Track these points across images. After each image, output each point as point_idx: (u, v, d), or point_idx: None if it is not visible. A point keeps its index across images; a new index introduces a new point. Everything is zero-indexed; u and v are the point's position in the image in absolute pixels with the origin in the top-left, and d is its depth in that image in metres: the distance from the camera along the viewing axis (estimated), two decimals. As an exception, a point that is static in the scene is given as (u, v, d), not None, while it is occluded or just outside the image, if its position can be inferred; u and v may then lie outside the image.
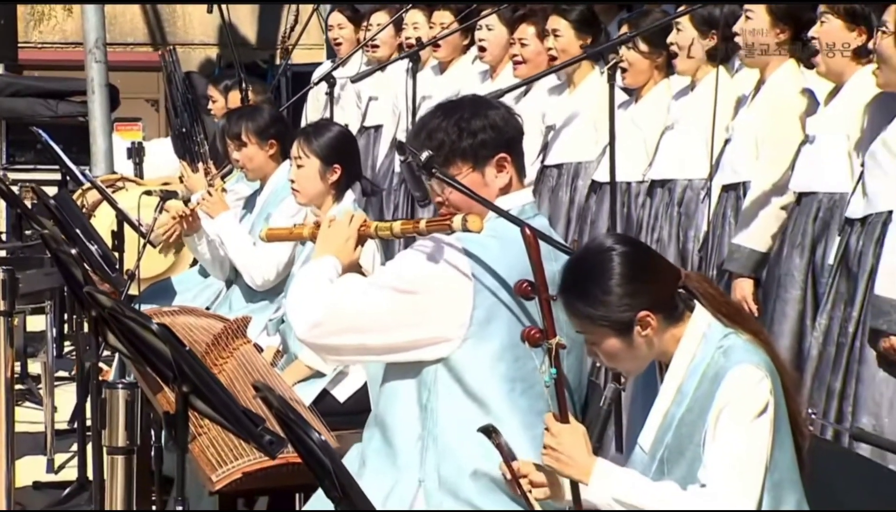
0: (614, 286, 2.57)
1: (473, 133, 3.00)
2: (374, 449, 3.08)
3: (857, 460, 2.82)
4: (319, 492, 3.14)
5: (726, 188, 4.43)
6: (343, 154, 4.24)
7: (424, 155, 2.87)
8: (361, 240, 3.17)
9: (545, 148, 5.34)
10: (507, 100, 4.62)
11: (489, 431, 2.68)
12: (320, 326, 3.02)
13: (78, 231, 4.64)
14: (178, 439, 2.90)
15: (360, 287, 3.06)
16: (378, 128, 6.94)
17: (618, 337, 2.59)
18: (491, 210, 2.97)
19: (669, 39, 4.63)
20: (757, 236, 4.21)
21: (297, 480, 3.34)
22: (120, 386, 2.49)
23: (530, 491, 2.70)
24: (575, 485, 2.57)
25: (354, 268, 3.16)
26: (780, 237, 4.15)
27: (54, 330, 6.29)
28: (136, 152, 7.98)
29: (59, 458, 5.33)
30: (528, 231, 2.65)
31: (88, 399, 4.47)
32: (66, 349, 7.09)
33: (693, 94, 4.66)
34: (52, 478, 5.15)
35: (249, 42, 12.26)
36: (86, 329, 4.42)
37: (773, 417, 2.50)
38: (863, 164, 3.79)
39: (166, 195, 4.77)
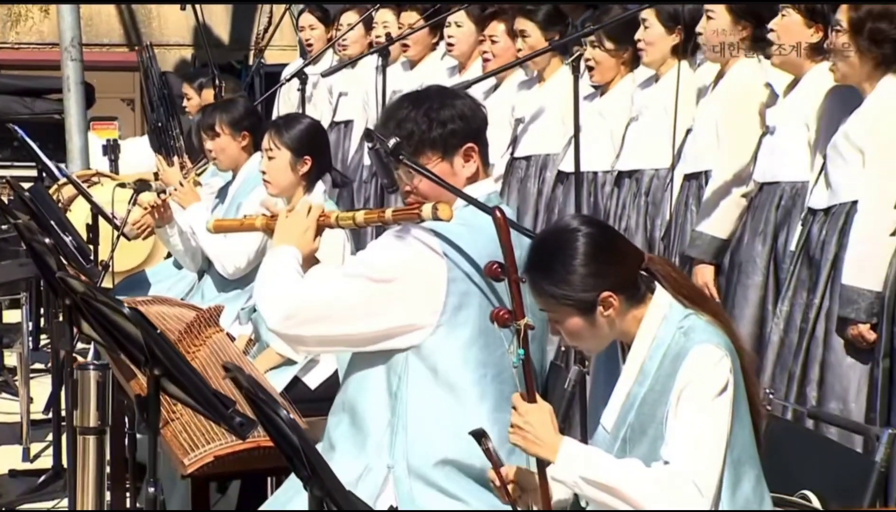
0: (578, 266, 2.55)
1: (442, 123, 2.97)
2: (343, 434, 3.05)
3: (814, 438, 2.82)
4: (291, 478, 3.12)
5: (688, 177, 4.44)
6: (313, 146, 4.21)
7: (392, 142, 2.84)
8: (320, 230, 3.13)
9: (514, 141, 5.33)
10: (478, 95, 4.62)
11: (479, 436, 2.64)
12: (293, 318, 2.97)
13: (53, 223, 4.58)
14: (150, 422, 2.87)
15: (332, 277, 3.02)
16: (348, 123, 6.93)
17: (581, 316, 2.57)
18: (460, 198, 2.94)
19: (637, 35, 4.63)
20: (718, 223, 4.21)
21: (268, 464, 3.30)
22: (91, 367, 2.44)
23: (519, 496, 2.67)
24: (542, 464, 2.55)
25: (312, 258, 3.13)
26: (742, 225, 4.15)
27: (30, 323, 6.23)
28: (111, 149, 7.90)
29: (35, 447, 5.29)
30: (499, 214, 2.63)
31: (63, 388, 4.45)
32: (42, 342, 7.03)
33: (657, 86, 4.66)
34: (27, 466, 5.10)
35: (223, 43, 12.19)
36: (60, 318, 4.38)
37: (732, 397, 2.48)
38: (824, 156, 3.79)
39: (140, 188, 4.72)
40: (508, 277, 2.59)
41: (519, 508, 2.62)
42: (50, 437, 5.12)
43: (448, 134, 2.96)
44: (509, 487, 2.63)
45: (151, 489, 2.86)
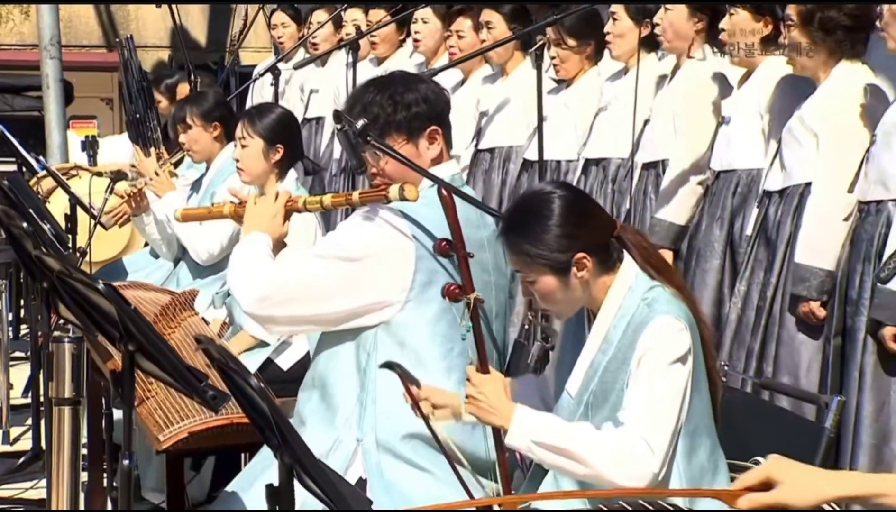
0: (553, 226, 2.54)
1: (407, 106, 2.97)
2: (313, 409, 3.04)
3: (767, 407, 2.83)
4: (262, 450, 3.11)
5: (646, 166, 4.45)
6: (285, 135, 4.20)
7: (360, 123, 2.83)
8: (288, 215, 3.12)
9: (479, 133, 5.33)
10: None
11: (390, 366, 2.66)
12: (266, 300, 2.97)
13: (31, 211, 4.54)
14: (125, 397, 2.85)
15: (303, 259, 3.01)
16: (319, 120, 6.92)
17: (555, 276, 2.55)
18: (426, 178, 2.94)
19: (606, 28, 4.63)
20: (676, 210, 4.23)
21: (241, 440, 3.29)
22: (66, 340, 2.42)
23: (432, 413, 2.68)
24: (497, 432, 2.55)
25: (281, 243, 3.11)
26: (699, 211, 4.17)
27: (10, 314, 6.19)
28: (90, 145, 7.84)
29: (15, 431, 5.26)
30: (444, 191, 2.64)
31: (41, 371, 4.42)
32: (23, 332, 6.99)
33: (626, 78, 4.66)
34: (7, 449, 5.07)
35: (200, 45, 12.15)
36: (38, 302, 4.35)
37: (691, 367, 2.49)
38: (779, 141, 3.81)
39: (116, 177, 4.69)
40: (457, 252, 2.59)
41: (432, 425, 2.63)
42: (29, 421, 5.09)
43: (412, 117, 2.97)
44: (421, 404, 2.64)
45: (126, 462, 2.84)
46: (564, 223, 2.54)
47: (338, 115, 2.82)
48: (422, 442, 2.92)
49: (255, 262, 3.00)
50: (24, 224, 3.67)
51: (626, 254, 2.59)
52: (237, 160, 4.23)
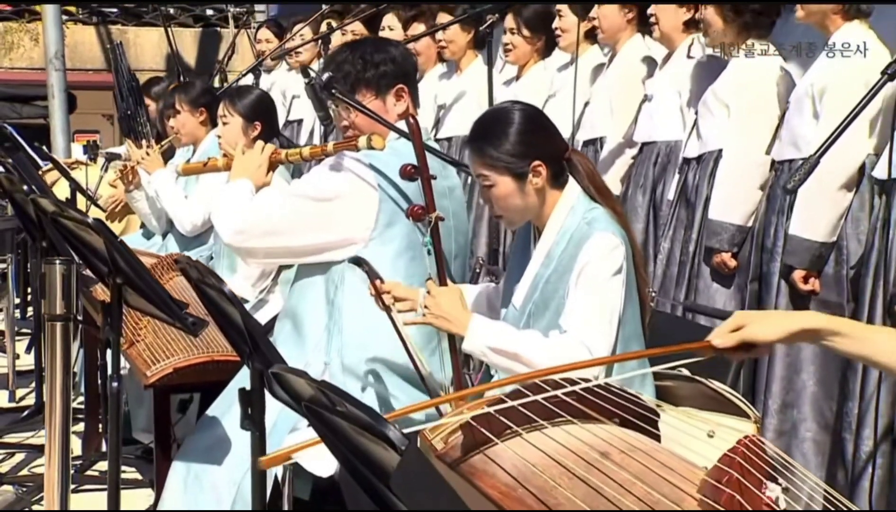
0: (513, 133, 2.53)
1: (376, 65, 2.96)
2: (285, 337, 3.01)
3: (688, 324, 2.82)
4: (238, 376, 3.08)
5: (586, 143, 4.45)
6: (263, 113, 4.16)
7: (325, 76, 2.82)
8: (273, 166, 3.12)
9: (437, 124, 5.32)
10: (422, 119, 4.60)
11: (357, 262, 2.64)
12: (244, 232, 2.95)
13: (34, 188, 4.48)
14: (113, 325, 2.81)
15: (280, 198, 3.00)
16: (300, 121, 6.89)
17: (513, 179, 2.53)
18: (392, 130, 2.93)
19: (554, 25, 4.63)
20: (610, 180, 4.21)
21: (222, 376, 3.24)
22: (58, 262, 2.38)
23: (393, 304, 2.67)
24: (453, 338, 2.53)
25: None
26: (626, 178, 4.17)
27: (15, 293, 6.11)
28: (91, 149, 7.78)
29: (20, 392, 5.17)
30: (412, 121, 2.62)
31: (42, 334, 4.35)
32: (29, 314, 6.89)
33: (572, 68, 4.64)
34: (13, 405, 5.00)
35: (191, 67, 12.10)
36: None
37: (625, 280, 2.48)
38: (696, 113, 3.82)
39: (110, 157, 4.63)
40: (421, 175, 2.57)
41: (392, 316, 2.61)
42: (34, 384, 5.02)
43: (380, 74, 2.96)
44: (384, 297, 2.62)
45: (115, 384, 2.81)
46: (524, 131, 2.53)
47: (305, 70, 2.80)
48: (384, 366, 2.90)
49: (238, 201, 2.99)
50: (25, 188, 3.62)
51: (570, 178, 2.57)
52: (219, 136, 4.20)
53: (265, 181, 3.09)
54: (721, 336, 1.94)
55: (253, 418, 2.33)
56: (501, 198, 2.56)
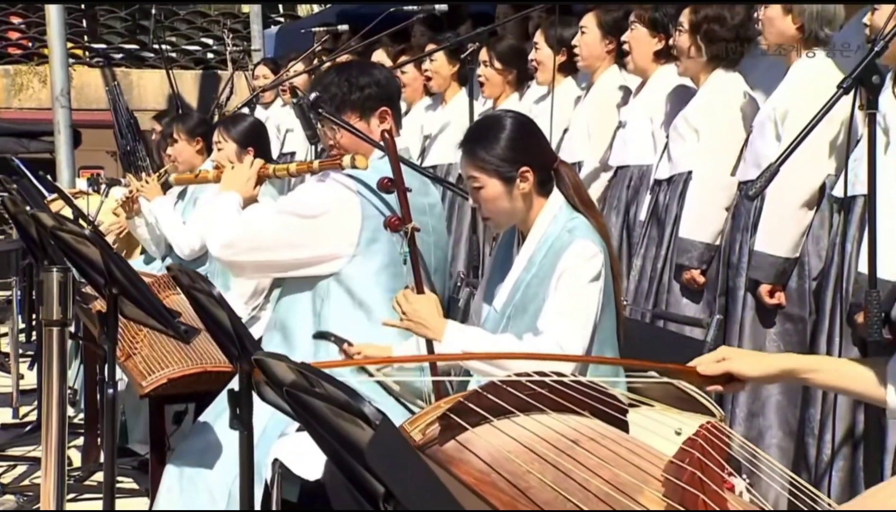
0: (504, 138, 2.54)
1: (361, 88, 2.97)
2: (275, 348, 3.00)
3: (660, 331, 2.82)
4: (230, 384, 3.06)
5: (566, 168, 4.47)
6: (255, 139, 4.18)
7: (312, 96, 2.83)
8: (260, 180, 3.13)
9: (423, 152, 5.33)
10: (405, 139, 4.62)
11: (323, 335, 2.65)
12: (233, 246, 2.95)
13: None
14: (109, 334, 2.80)
15: (267, 213, 3.00)
16: (293, 154, 6.90)
17: (501, 182, 2.54)
18: (373, 146, 2.93)
19: (530, 57, 4.66)
20: (589, 202, 4.24)
21: (214, 386, 3.24)
22: (55, 269, 2.37)
23: (361, 355, 2.70)
24: (430, 343, 2.53)
25: (252, 203, 3.11)
26: (603, 201, 4.19)
27: (20, 317, 6.09)
28: (94, 182, 7.79)
29: (23, 410, 5.17)
30: (387, 136, 2.63)
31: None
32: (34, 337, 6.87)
33: (549, 99, 4.67)
34: (16, 421, 4.99)
35: (192, 107, 12.13)
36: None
37: (602, 287, 2.48)
38: (667, 138, 3.85)
39: (111, 183, 4.63)
40: (397, 187, 2.58)
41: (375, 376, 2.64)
42: (36, 402, 5.00)
43: (365, 97, 2.97)
44: (356, 357, 2.66)
45: (111, 391, 2.79)
46: (514, 137, 2.55)
47: (293, 90, 2.81)
48: (366, 374, 2.89)
49: (227, 215, 3.00)
50: (28, 208, 3.61)
51: (555, 188, 2.58)
52: (214, 161, 4.21)
53: (253, 195, 3.10)
54: (707, 365, 2.00)
55: (241, 418, 2.30)
56: (490, 200, 2.56)
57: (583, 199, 2.59)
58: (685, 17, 3.69)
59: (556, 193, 2.58)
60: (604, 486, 1.60)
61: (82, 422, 4.37)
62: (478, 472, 1.73)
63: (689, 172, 3.70)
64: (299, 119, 2.94)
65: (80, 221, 5.20)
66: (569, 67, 4.52)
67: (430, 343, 2.53)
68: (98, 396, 4.32)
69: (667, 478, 1.58)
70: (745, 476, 1.81)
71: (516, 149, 2.53)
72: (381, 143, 2.97)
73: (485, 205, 2.58)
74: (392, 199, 2.81)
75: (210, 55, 13.40)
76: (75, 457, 4.36)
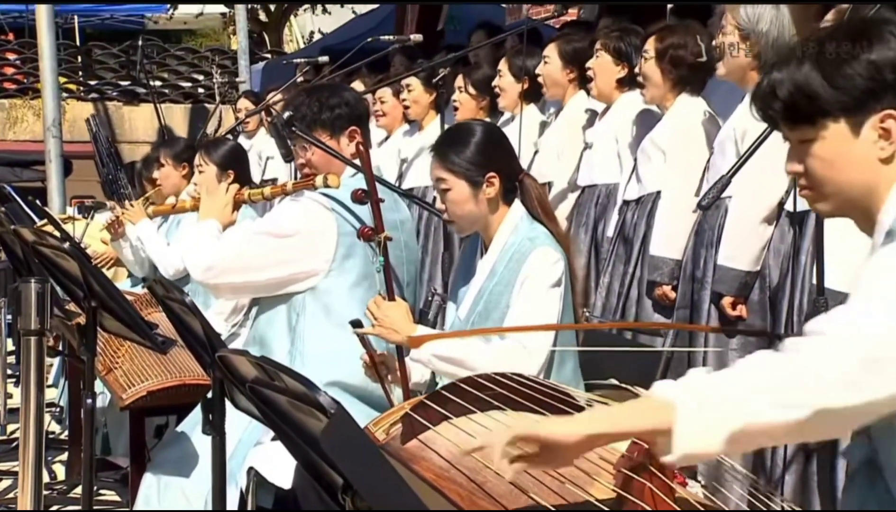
0: (474, 143, 2.57)
1: (331, 108, 2.99)
2: (253, 360, 3.00)
3: (620, 340, 2.82)
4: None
5: (536, 188, 4.48)
6: (235, 162, 4.15)
7: (286, 115, 2.84)
8: (237, 205, 3.14)
9: (401, 176, 5.34)
10: (373, 144, 4.63)
11: (355, 325, 2.61)
12: (212, 269, 2.94)
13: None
14: (88, 346, 2.78)
15: (244, 236, 3.00)
16: (274, 180, 6.89)
17: (469, 185, 2.56)
18: (348, 165, 2.94)
19: (494, 83, 4.68)
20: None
21: (193, 399, 3.22)
22: (33, 280, 2.36)
23: (387, 375, 2.64)
24: (400, 350, 2.52)
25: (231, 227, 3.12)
26: (571, 219, 4.20)
27: (9, 340, 6.03)
28: (85, 210, 7.76)
29: (11, 427, 5.09)
30: (360, 148, 2.63)
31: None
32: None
33: (513, 124, 4.69)
34: (3, 438, 4.94)
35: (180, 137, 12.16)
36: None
37: (563, 293, 2.49)
38: (635, 158, 3.86)
39: (96, 206, 4.61)
40: (370, 198, 2.58)
41: (385, 385, 2.58)
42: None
43: (335, 117, 2.98)
44: (379, 367, 2.59)
45: (89, 401, 2.77)
46: (483, 144, 2.57)
47: (268, 110, 2.82)
48: (340, 388, 2.87)
49: (206, 240, 3.00)
50: (13, 228, 3.59)
51: (517, 199, 2.59)
52: (195, 184, 4.20)
53: (231, 220, 3.11)
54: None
55: (214, 424, 2.29)
56: (456, 202, 2.57)
57: (545, 210, 2.60)
58: (650, 45, 3.72)
59: (517, 204, 2.59)
60: (558, 477, 1.60)
61: (68, 438, 4.33)
62: (438, 468, 1.73)
63: (658, 192, 3.70)
64: (274, 138, 2.94)
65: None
66: (533, 95, 4.54)
67: (400, 349, 2.52)
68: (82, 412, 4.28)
69: (618, 469, 1.58)
70: (700, 479, 1.81)
71: (485, 154, 2.55)
72: (356, 154, 2.99)
73: (451, 207, 2.58)
74: (365, 213, 2.81)
75: (200, 90, 13.44)
76: (60, 472, 4.32)
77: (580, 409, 1.90)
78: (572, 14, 6.89)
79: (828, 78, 1.58)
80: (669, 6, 4.70)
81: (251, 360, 1.52)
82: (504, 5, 7.92)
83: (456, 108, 4.83)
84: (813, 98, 1.58)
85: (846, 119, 1.59)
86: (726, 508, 1.74)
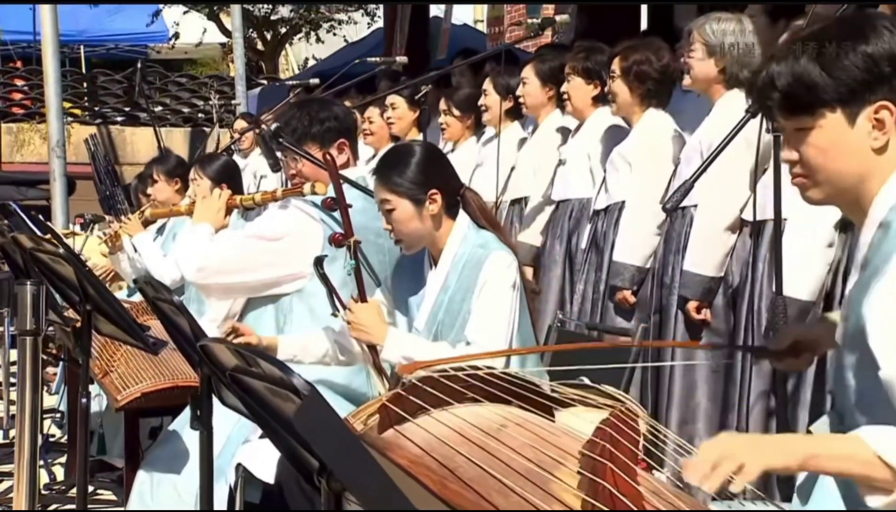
0: (414, 163, 2.56)
1: (321, 121, 2.99)
2: (242, 360, 2.98)
3: (590, 340, 2.80)
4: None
5: (513, 202, 4.49)
6: (228, 176, 4.18)
7: (273, 127, 2.84)
8: (230, 210, 3.15)
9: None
10: (361, 164, 4.63)
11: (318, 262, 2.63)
12: (204, 270, 2.95)
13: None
14: (83, 348, 2.76)
15: (235, 239, 3.02)
16: (266, 192, 6.90)
17: (412, 203, 2.54)
18: (330, 173, 2.93)
19: (479, 102, 4.69)
20: (533, 234, 4.26)
21: (186, 400, 3.17)
22: (28, 283, 2.34)
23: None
24: (373, 348, 2.51)
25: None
26: (546, 233, 4.21)
27: (12, 351, 5.99)
28: (87, 225, 7.73)
29: (13, 433, 5.06)
30: (328, 157, 2.65)
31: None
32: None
33: (496, 141, 4.69)
34: (5, 441, 4.91)
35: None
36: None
37: (520, 294, 2.49)
38: (605, 170, 3.87)
39: (95, 219, 4.60)
40: (340, 206, 2.58)
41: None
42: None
43: (325, 130, 2.98)
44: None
45: (84, 400, 2.75)
46: (424, 163, 2.56)
47: (257, 122, 2.83)
48: (325, 386, 2.86)
49: (199, 243, 3.00)
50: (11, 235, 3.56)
51: (461, 211, 2.59)
52: (190, 197, 4.19)
53: (224, 224, 3.12)
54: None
55: (201, 419, 2.27)
56: (401, 221, 2.56)
57: (488, 218, 2.62)
58: (616, 65, 3.74)
59: (462, 215, 2.59)
60: (527, 463, 1.59)
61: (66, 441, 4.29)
62: (412, 455, 1.71)
63: (623, 202, 3.71)
64: (262, 150, 2.94)
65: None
66: (515, 112, 4.55)
67: (373, 348, 2.51)
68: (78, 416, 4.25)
69: (583, 453, 1.57)
70: (665, 470, 1.80)
71: (426, 173, 2.54)
72: (338, 165, 2.98)
73: (397, 226, 2.57)
74: (353, 219, 2.79)
75: (200, 114, 13.44)
76: (60, 474, 4.29)
77: (548, 398, 1.89)
78: (545, 39, 6.93)
79: (826, 69, 1.60)
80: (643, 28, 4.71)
81: (230, 347, 1.51)
82: (485, 32, 7.96)
83: (443, 130, 4.84)
84: (811, 88, 1.60)
85: (842, 109, 1.61)
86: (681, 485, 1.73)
